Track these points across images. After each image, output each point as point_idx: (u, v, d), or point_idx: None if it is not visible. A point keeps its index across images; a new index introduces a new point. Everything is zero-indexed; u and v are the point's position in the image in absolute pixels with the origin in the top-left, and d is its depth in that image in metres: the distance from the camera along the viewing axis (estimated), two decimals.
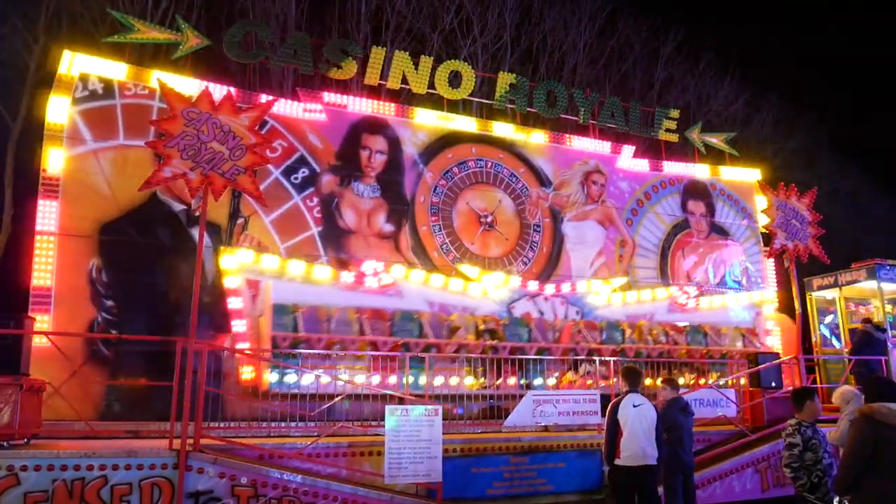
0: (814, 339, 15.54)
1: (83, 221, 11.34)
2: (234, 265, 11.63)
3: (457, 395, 11.39)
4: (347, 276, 12.37)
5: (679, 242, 16.59)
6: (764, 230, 13.01)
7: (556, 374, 12.81)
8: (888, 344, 13.04)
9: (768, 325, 16.27)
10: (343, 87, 15.63)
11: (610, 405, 7.46)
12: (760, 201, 16.17)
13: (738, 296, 16.29)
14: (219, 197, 8.32)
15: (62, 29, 16.75)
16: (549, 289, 14.24)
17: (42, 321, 10.52)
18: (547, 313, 13.96)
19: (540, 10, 22.72)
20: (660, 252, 16.30)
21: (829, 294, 15.62)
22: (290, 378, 10.67)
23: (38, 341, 9.14)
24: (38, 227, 11.09)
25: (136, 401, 10.71)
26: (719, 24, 29.79)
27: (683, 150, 18.57)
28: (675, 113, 17.44)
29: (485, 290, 13.58)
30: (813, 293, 15.65)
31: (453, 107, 15.45)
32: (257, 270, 11.76)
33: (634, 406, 7.18)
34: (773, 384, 11.65)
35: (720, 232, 17.18)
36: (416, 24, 20.57)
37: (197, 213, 11.67)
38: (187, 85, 12.13)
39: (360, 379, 11.17)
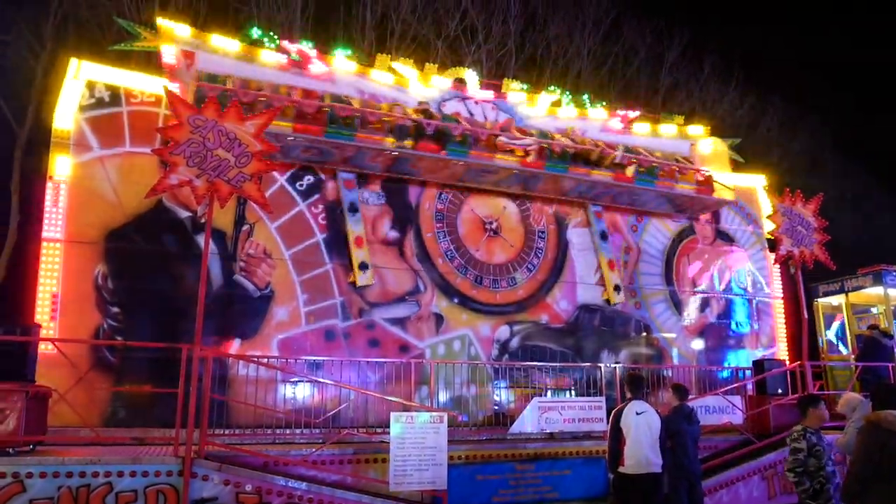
0: (820, 346, 15.50)
1: (89, 228, 11.37)
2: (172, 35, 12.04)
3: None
4: (280, 58, 12.62)
5: (684, 249, 16.55)
6: (769, 236, 12.98)
7: None
8: (895, 350, 13.00)
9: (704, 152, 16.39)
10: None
11: (613, 412, 7.45)
12: (766, 207, 16.13)
13: (670, 126, 16.37)
14: (224, 204, 8.36)
15: (69, 36, 16.82)
16: (481, 94, 14.40)
17: (48, 328, 10.55)
18: (477, 116, 14.13)
19: (544, 16, 22.76)
20: (664, 259, 16.27)
21: (835, 300, 15.59)
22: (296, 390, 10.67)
23: (44, 348, 9.16)
24: (45, 234, 11.13)
25: (142, 407, 10.72)
26: (723, 28, 29.73)
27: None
28: (679, 119, 17.42)
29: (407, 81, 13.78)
30: (819, 299, 15.62)
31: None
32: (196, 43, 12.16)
33: (638, 413, 7.16)
34: (780, 391, 11.61)
35: (725, 238, 17.14)
36: (421, 32, 20.61)
37: (202, 220, 11.69)
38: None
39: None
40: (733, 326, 16.40)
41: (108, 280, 11.34)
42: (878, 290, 14.71)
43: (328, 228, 13.15)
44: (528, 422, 10.28)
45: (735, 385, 12.50)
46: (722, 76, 24.75)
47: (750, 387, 12.35)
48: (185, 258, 11.75)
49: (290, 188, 12.95)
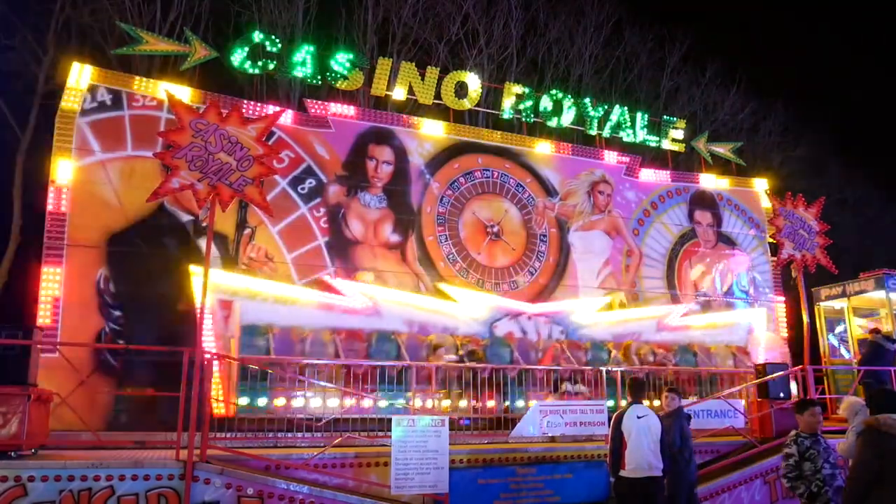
0: (822, 350, 15.46)
1: (91, 232, 11.39)
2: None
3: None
4: (322, 297, 12.12)
5: (686, 252, 16.55)
6: (771, 240, 12.97)
7: (541, 394, 12.26)
8: None
9: (761, 344, 15.94)
10: (350, 98, 15.67)
11: (614, 417, 7.45)
12: (768, 211, 16.12)
13: (729, 314, 16.09)
14: (226, 207, 8.36)
15: (71, 41, 16.86)
16: (531, 308, 13.95)
17: (50, 331, 10.54)
18: (530, 333, 13.73)
19: (546, 20, 22.77)
20: (666, 262, 16.26)
21: (838, 304, 15.56)
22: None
23: (46, 352, 9.16)
24: (47, 238, 11.14)
25: (143, 411, 10.72)
26: (724, 32, 29.78)
27: (690, 160, 18.55)
28: (681, 123, 17.44)
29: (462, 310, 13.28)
30: (821, 303, 15.58)
31: (459, 117, 15.48)
32: (229, 290, 11.55)
33: (639, 417, 7.16)
34: (782, 395, 11.58)
35: (727, 242, 17.13)
36: (423, 35, 20.63)
37: (204, 224, 11.70)
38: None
39: (332, 403, 10.81)
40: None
41: (110, 283, 11.36)
42: (880, 294, 14.68)
43: (330, 232, 13.15)
44: (530, 425, 10.26)
45: (737, 388, 12.48)
46: (723, 81, 24.75)
47: (752, 390, 12.32)
48: (187, 261, 11.76)
49: (291, 192, 12.97)
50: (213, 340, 11.31)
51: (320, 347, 11.48)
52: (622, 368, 12.42)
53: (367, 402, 10.81)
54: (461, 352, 12.39)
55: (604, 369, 12.18)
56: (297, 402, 10.57)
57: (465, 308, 13.43)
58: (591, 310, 14.54)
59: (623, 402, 8.82)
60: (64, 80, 12.11)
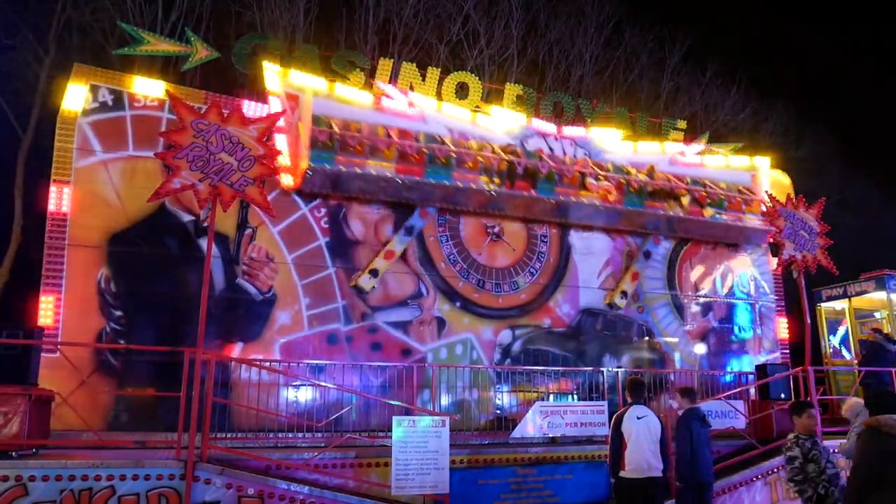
0: (823, 351, 15.47)
1: (92, 232, 11.39)
2: (276, 85, 12.53)
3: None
4: (370, 99, 13.17)
5: (687, 253, 16.53)
6: (772, 240, 12.97)
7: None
8: None
9: (764, 187, 16.43)
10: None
11: (614, 417, 7.46)
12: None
13: (736, 158, 16.81)
14: (227, 208, 8.37)
15: (72, 41, 16.89)
16: (564, 130, 15.02)
17: (51, 331, 10.56)
18: (557, 151, 14.65)
19: (546, 21, 22.79)
20: (667, 262, 16.25)
21: (839, 305, 15.57)
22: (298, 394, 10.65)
23: (47, 351, 9.17)
24: (48, 238, 11.15)
25: (144, 411, 10.74)
26: (725, 33, 29.78)
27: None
28: (682, 123, 17.41)
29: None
30: (822, 304, 15.59)
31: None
32: (297, 87, 12.64)
33: (638, 418, 7.17)
34: (783, 396, 11.60)
35: (728, 242, 17.10)
36: (423, 36, 20.66)
37: (205, 224, 11.71)
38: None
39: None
40: (736, 331, 16.38)
41: (111, 283, 11.36)
42: (881, 295, 14.70)
43: (331, 232, 13.16)
44: (530, 426, 10.27)
45: (738, 389, 12.49)
46: (724, 81, 24.77)
47: (753, 391, 12.33)
48: (188, 262, 11.77)
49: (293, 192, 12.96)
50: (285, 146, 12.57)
51: (374, 137, 12.66)
52: (619, 369, 12.44)
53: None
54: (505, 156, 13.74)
55: (604, 370, 12.21)
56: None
57: (498, 122, 14.34)
58: (615, 138, 15.51)
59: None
60: (65, 81, 12.12)
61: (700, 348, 15.86)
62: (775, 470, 10.34)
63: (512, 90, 15.75)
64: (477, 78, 15.42)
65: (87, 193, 11.45)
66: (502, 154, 13.69)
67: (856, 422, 7.68)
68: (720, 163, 16.38)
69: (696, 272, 16.47)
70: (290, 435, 9.86)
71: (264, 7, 18.71)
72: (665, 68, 24.34)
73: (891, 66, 30.54)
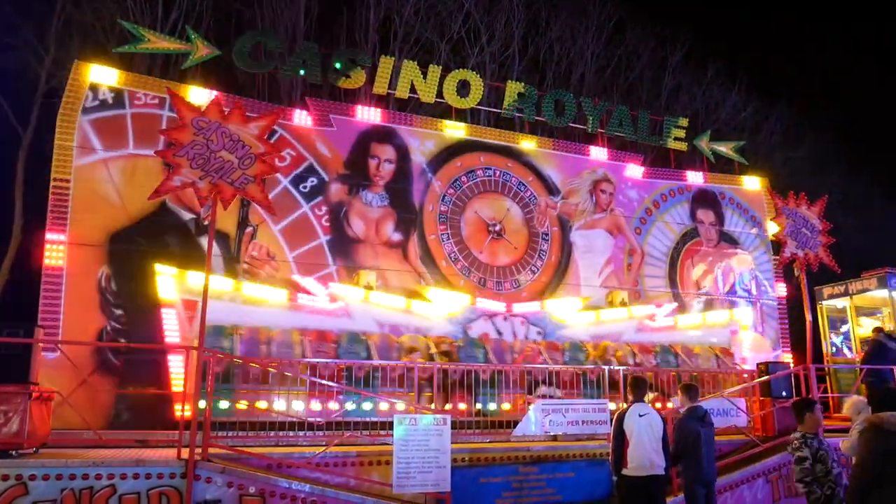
0: (825, 349, 15.44)
1: (93, 230, 11.38)
2: (170, 286, 11.02)
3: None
4: (284, 296, 11.66)
5: (688, 251, 16.53)
6: (774, 238, 12.95)
7: (511, 398, 11.72)
8: None
9: (744, 344, 15.57)
10: (352, 96, 15.67)
11: (616, 415, 7.43)
12: (770, 210, 16.10)
13: (712, 315, 15.75)
14: (228, 206, 8.35)
15: (73, 39, 16.86)
16: (502, 307, 13.53)
17: (52, 330, 10.54)
18: (506, 334, 13.25)
19: (547, 19, 22.77)
20: (669, 261, 16.25)
21: (840, 303, 15.54)
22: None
23: (48, 350, 9.16)
24: (48, 236, 11.14)
25: (145, 409, 10.72)
26: (726, 31, 29.75)
27: (692, 159, 18.52)
28: (683, 122, 17.41)
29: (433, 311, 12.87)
30: (823, 302, 15.56)
31: (461, 116, 15.47)
32: (194, 291, 10.80)
33: (640, 416, 7.14)
34: (784, 394, 11.57)
35: (729, 241, 17.11)
36: (424, 34, 20.63)
37: (206, 222, 11.70)
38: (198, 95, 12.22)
39: (298, 405, 10.33)
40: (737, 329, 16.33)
41: (112, 282, 11.35)
42: (882, 293, 14.67)
43: (332, 230, 13.14)
44: (532, 424, 10.24)
45: (739, 388, 12.45)
46: (725, 80, 24.74)
47: (754, 389, 12.30)
48: (189, 260, 11.75)
49: (293, 190, 12.95)
50: (177, 339, 10.86)
51: (287, 349, 11.03)
52: (617, 367, 12.40)
53: (333, 405, 10.53)
54: (434, 350, 11.99)
55: (607, 369, 12.17)
56: (279, 404, 10.41)
57: (438, 308, 13.02)
58: (570, 310, 14.15)
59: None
60: (65, 79, 12.10)
61: None
62: (777, 468, 10.32)
63: (513, 88, 15.74)
64: (478, 76, 15.41)
65: (87, 192, 11.46)
66: (436, 358, 11.84)
67: (857, 419, 7.65)
68: (695, 321, 15.21)
69: (698, 270, 16.46)
70: (292, 433, 9.84)
71: (265, 5, 18.68)
72: (666, 67, 24.31)
73: (892, 65, 30.52)
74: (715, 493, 8.25)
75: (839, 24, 31.08)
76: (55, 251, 11.07)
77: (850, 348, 15.41)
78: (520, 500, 9.13)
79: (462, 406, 11.34)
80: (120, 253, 11.48)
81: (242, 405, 10.18)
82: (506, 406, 11.63)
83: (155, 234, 11.79)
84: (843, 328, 15.53)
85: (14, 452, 7.27)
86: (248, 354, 10.71)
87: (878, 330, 13.25)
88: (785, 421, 10.90)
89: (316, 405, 10.57)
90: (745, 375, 13.01)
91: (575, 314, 14.15)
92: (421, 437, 8.27)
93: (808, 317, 11.88)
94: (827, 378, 14.26)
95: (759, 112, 25.24)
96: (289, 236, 12.74)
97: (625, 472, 7.09)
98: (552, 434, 10.26)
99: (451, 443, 8.48)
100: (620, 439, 7.17)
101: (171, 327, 10.78)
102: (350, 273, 12.97)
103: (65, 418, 8.70)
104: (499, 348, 12.75)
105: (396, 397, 10.59)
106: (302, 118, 13.42)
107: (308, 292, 12.11)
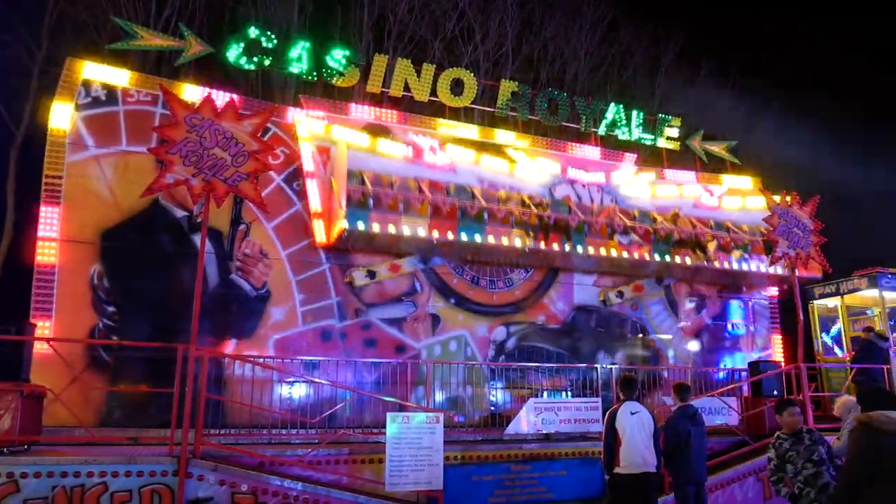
0: (816, 348, 15.52)
1: (85, 227, 11.34)
2: (307, 133, 12.87)
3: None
4: (407, 150, 13.23)
5: None
6: (766, 238, 13.01)
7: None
8: (890, 353, 13.03)
9: None
10: (345, 94, 15.65)
11: (607, 414, 7.43)
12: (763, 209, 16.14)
13: (756, 199, 16.30)
14: (221, 203, 8.34)
15: (65, 36, 16.79)
16: (586, 176, 14.95)
17: (43, 327, 10.51)
18: (584, 199, 14.64)
19: (541, 18, 22.78)
20: None
21: (831, 302, 15.62)
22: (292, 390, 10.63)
23: (39, 347, 9.13)
24: (40, 233, 11.09)
25: (137, 407, 10.70)
26: (719, 30, 29.81)
27: (684, 159, 18.56)
28: (676, 121, 17.45)
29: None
30: (814, 301, 15.64)
31: (455, 114, 15.46)
32: (329, 139, 12.88)
33: (632, 414, 7.15)
34: (775, 392, 11.64)
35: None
36: (418, 32, 20.62)
37: (199, 220, 11.67)
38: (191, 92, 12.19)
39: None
40: (729, 328, 16.43)
41: (104, 279, 11.32)
42: (873, 293, 14.75)
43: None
44: (524, 422, 10.28)
45: (731, 386, 12.53)
46: (718, 79, 24.81)
47: (745, 388, 12.37)
48: (182, 258, 11.73)
49: (286, 188, 12.93)
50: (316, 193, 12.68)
51: (406, 192, 12.65)
52: (613, 366, 12.47)
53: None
54: (528, 203, 13.75)
55: (598, 367, 12.23)
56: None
57: (527, 171, 14.32)
58: (642, 184, 15.60)
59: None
60: (58, 75, 12.05)
61: (693, 345, 15.90)
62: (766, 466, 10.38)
63: (507, 87, 15.75)
64: (472, 74, 15.41)
65: (79, 189, 11.42)
66: (533, 208, 13.62)
67: (848, 418, 7.70)
68: (737, 204, 16.16)
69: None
70: (284, 431, 9.85)
71: (258, 2, 18.64)
72: (659, 66, 24.36)
73: (885, 63, 30.60)
74: (705, 492, 8.28)
75: (832, 23, 31.15)
76: (47, 248, 11.03)
77: (840, 347, 15.50)
78: (512, 499, 9.17)
79: (555, 247, 13.62)
80: (112, 250, 11.44)
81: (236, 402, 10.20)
82: (590, 250, 13.90)
83: (148, 232, 11.76)
84: (834, 328, 15.62)
85: (5, 450, 7.26)
86: (376, 195, 12.28)
87: (868, 329, 13.35)
88: (776, 420, 10.96)
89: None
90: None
91: (644, 187, 15.52)
92: (413, 435, 8.29)
93: (800, 316, 11.95)
94: (818, 377, 14.34)
95: (753, 112, 25.32)
96: (282, 234, 12.73)
97: (617, 470, 7.10)
98: (545, 432, 10.30)
99: (444, 441, 8.51)
100: (612, 438, 7.18)
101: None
102: (343, 271, 12.96)
103: (57, 416, 8.67)
104: (580, 208, 14.35)
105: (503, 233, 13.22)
106: (295, 116, 13.39)
107: (422, 151, 13.43)
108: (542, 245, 13.42)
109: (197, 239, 11.38)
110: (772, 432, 10.67)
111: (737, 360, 15.90)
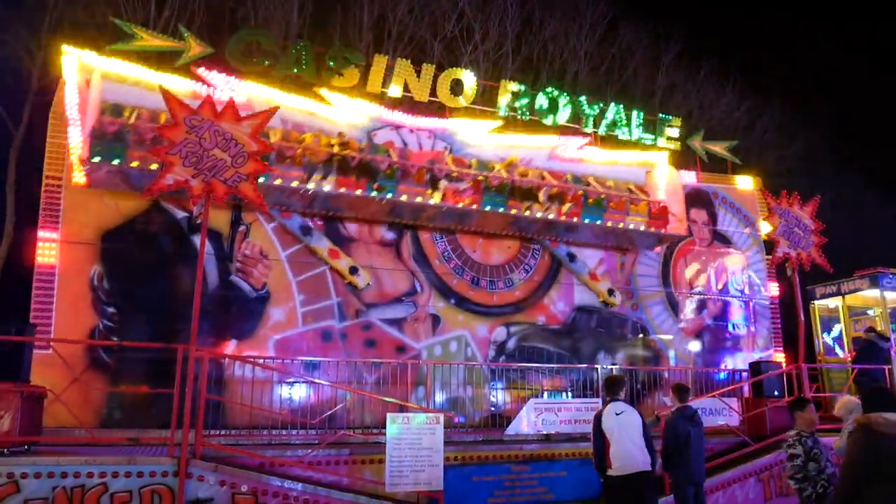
0: (817, 348, 15.50)
1: (85, 228, 11.34)
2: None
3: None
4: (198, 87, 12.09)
5: (681, 251, 16.56)
6: (766, 238, 13.00)
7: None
8: (892, 353, 13.01)
9: (660, 185, 15.47)
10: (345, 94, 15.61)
11: (594, 417, 7.33)
12: (763, 210, 16.15)
13: (629, 154, 15.64)
14: (220, 204, 8.33)
15: (65, 36, 16.77)
16: (415, 121, 13.76)
17: (44, 328, 10.51)
18: (412, 145, 13.55)
19: (541, 17, 22.76)
20: (662, 260, 16.27)
21: (832, 303, 15.60)
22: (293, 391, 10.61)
23: (40, 348, 9.13)
24: (41, 234, 11.10)
25: (137, 408, 10.71)
26: (720, 30, 29.82)
27: (685, 159, 18.55)
28: (677, 121, 17.42)
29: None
30: (815, 302, 15.62)
31: (455, 115, 15.43)
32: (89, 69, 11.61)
33: (617, 414, 7.02)
34: (776, 393, 11.62)
35: (722, 240, 17.14)
36: (418, 32, 20.61)
37: (198, 221, 11.67)
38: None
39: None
40: (730, 328, 16.42)
41: (104, 280, 11.32)
42: (874, 293, 14.72)
43: (325, 229, 13.11)
44: (525, 423, 10.28)
45: (731, 387, 12.51)
46: (719, 78, 24.79)
47: (746, 389, 12.36)
48: (181, 259, 11.73)
49: None
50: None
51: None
52: (614, 366, 12.46)
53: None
54: (336, 148, 12.30)
55: (598, 368, 12.22)
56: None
57: (342, 113, 13.16)
58: (482, 130, 14.21)
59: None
60: (57, 76, 12.04)
61: (694, 345, 15.89)
62: (769, 467, 10.37)
63: (507, 87, 15.73)
64: (472, 74, 15.39)
65: (79, 190, 11.39)
66: (333, 148, 12.28)
67: (849, 419, 7.69)
68: (608, 158, 15.21)
69: (691, 269, 16.50)
70: (284, 432, 9.85)
71: (258, 3, 18.63)
72: (660, 66, 24.34)
73: (885, 62, 30.61)
74: (704, 493, 8.26)
75: (832, 22, 31.16)
76: (47, 249, 11.03)
77: (842, 347, 15.48)
78: (512, 499, 9.17)
79: (359, 192, 12.15)
80: (112, 251, 11.44)
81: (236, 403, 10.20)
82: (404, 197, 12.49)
83: (147, 233, 11.76)
84: (835, 328, 15.60)
85: (6, 450, 7.26)
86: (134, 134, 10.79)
87: (870, 330, 13.33)
88: (777, 420, 10.96)
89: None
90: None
91: (485, 135, 14.19)
92: (414, 435, 8.29)
93: (801, 316, 11.93)
94: (819, 377, 14.32)
95: (752, 111, 25.30)
96: (281, 235, 12.72)
97: (610, 472, 6.96)
98: (545, 433, 10.29)
99: (444, 441, 8.51)
100: (601, 440, 7.05)
101: None
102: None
103: (57, 416, 8.67)
104: (404, 154, 13.08)
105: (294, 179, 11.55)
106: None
107: (209, 83, 12.29)
108: (342, 189, 11.97)
109: (197, 240, 11.37)
110: (773, 433, 10.73)
111: (738, 360, 15.89)
